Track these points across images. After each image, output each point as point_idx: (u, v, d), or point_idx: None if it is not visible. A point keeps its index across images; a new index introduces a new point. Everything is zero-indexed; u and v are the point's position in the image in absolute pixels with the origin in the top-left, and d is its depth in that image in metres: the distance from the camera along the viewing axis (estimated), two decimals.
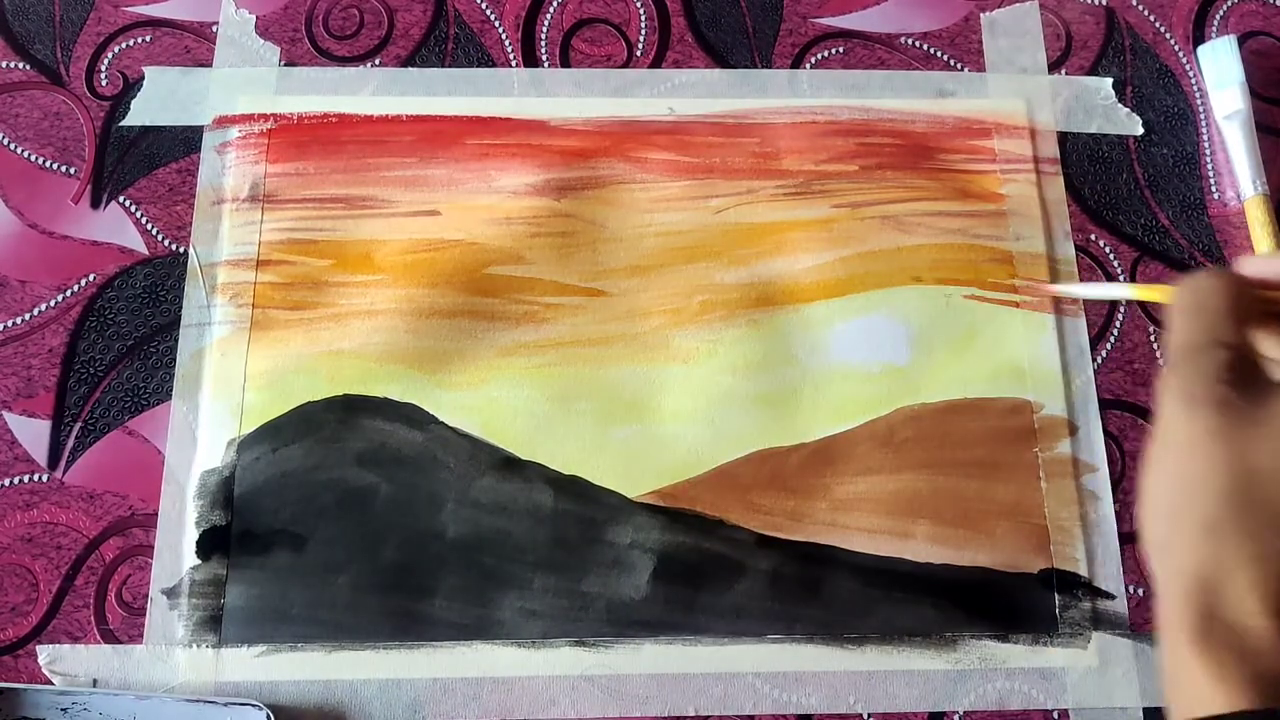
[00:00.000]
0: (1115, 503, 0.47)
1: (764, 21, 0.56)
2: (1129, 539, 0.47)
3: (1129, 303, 0.45)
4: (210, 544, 0.45)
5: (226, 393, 0.47)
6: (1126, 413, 0.49)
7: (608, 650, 0.44)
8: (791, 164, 0.52)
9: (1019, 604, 0.45)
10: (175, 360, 0.48)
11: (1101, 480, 0.48)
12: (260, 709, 0.42)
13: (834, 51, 0.55)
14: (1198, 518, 0.28)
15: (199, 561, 0.45)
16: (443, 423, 0.47)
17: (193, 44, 0.54)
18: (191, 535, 0.45)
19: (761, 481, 0.47)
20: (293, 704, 0.43)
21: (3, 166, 0.51)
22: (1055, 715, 0.44)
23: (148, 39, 0.54)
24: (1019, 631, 0.45)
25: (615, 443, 0.47)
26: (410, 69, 0.54)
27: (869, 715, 0.44)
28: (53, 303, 0.49)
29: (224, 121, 0.52)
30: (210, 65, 0.53)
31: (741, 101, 0.53)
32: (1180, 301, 0.31)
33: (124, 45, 0.54)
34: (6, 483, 0.46)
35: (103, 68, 0.53)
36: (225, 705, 0.42)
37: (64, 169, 0.51)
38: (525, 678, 0.44)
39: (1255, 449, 0.27)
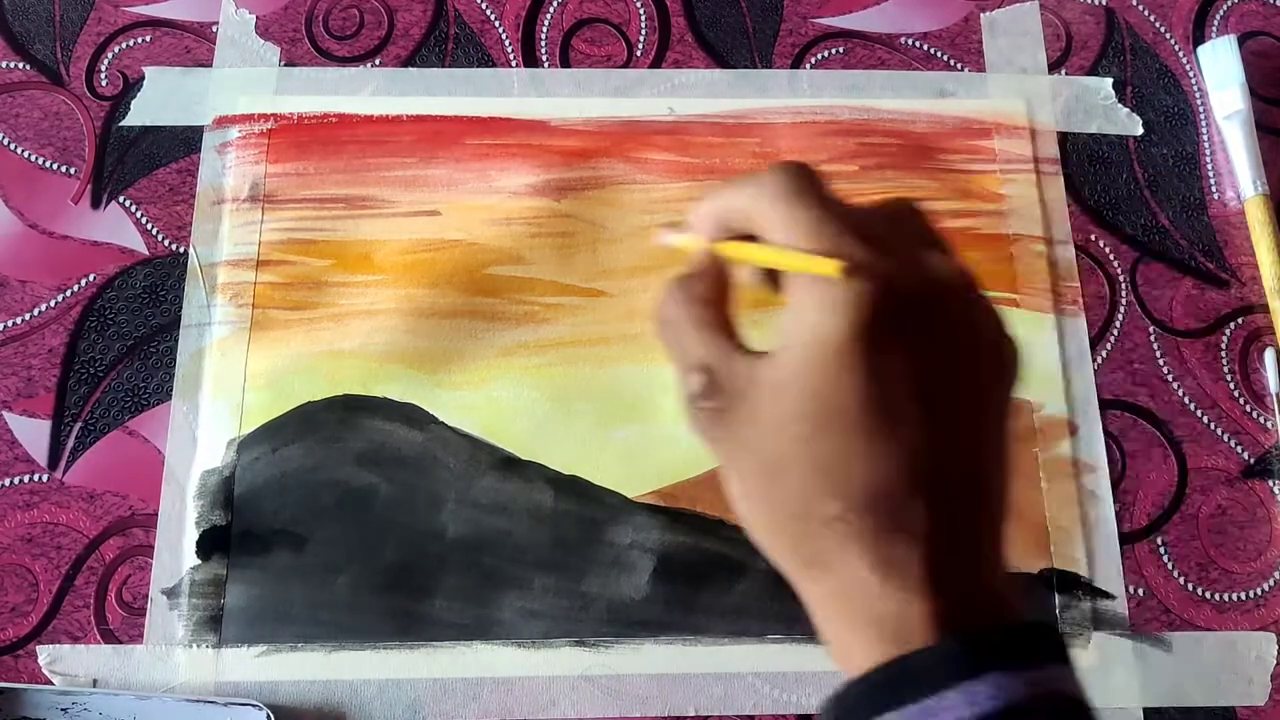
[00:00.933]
0: (1115, 503, 0.47)
1: (764, 21, 0.56)
2: (1129, 539, 0.47)
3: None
4: (210, 544, 0.45)
5: (226, 393, 0.47)
6: (1126, 413, 0.49)
7: (608, 650, 0.44)
8: None
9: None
10: (175, 360, 0.48)
11: (1101, 480, 0.48)
12: (260, 709, 0.42)
13: (834, 51, 0.55)
14: (766, 519, 0.27)
15: (199, 561, 0.45)
16: (443, 423, 0.47)
17: (193, 44, 0.54)
18: (191, 535, 0.45)
19: None
20: (293, 704, 0.43)
21: (3, 166, 0.51)
22: None
23: (148, 39, 0.54)
24: None
25: (615, 443, 0.47)
26: (410, 69, 0.54)
27: None
28: (53, 303, 0.49)
29: (224, 121, 0.52)
30: (210, 65, 0.53)
31: (741, 101, 0.53)
32: (657, 326, 0.31)
33: (124, 45, 0.54)
34: (6, 483, 0.46)
35: (103, 68, 0.53)
36: (225, 705, 0.42)
37: (64, 169, 0.51)
38: (525, 678, 0.44)
39: (759, 444, 0.27)
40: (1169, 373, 0.50)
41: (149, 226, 0.50)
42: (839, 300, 0.25)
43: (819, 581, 0.27)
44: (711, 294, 0.31)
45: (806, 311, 0.26)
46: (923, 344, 0.26)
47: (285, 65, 0.53)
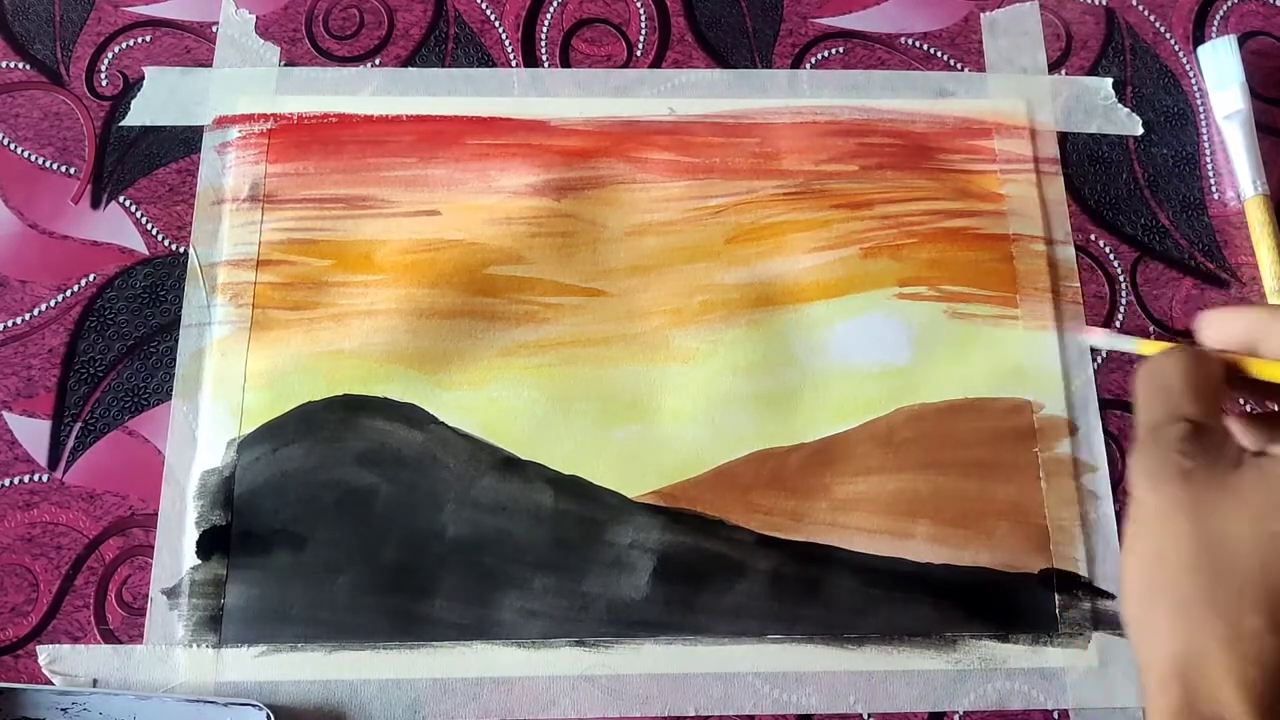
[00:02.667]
0: (1115, 503, 0.47)
1: (764, 21, 0.56)
2: None
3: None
4: (210, 544, 0.45)
5: (226, 393, 0.47)
6: (1126, 413, 0.49)
7: (608, 650, 0.44)
8: (791, 164, 0.52)
9: (1019, 604, 0.45)
10: (175, 360, 0.48)
11: (1101, 480, 0.48)
12: (260, 709, 0.42)
13: (834, 51, 0.55)
14: (1169, 597, 0.26)
15: (199, 561, 0.45)
16: (443, 423, 0.47)
17: (193, 44, 0.54)
18: (191, 535, 0.45)
19: (761, 482, 0.47)
20: (293, 704, 0.43)
21: (3, 166, 0.51)
22: (1055, 715, 0.44)
23: (148, 39, 0.54)
24: (1019, 631, 0.45)
25: (615, 443, 0.47)
26: (410, 69, 0.54)
27: (869, 715, 0.44)
28: (53, 303, 0.49)
29: (224, 121, 0.52)
30: (210, 65, 0.53)
31: (741, 101, 0.53)
32: (1142, 382, 0.30)
33: (124, 45, 0.54)
34: (6, 483, 0.46)
35: (103, 68, 0.53)
36: (225, 705, 0.42)
37: (64, 169, 0.51)
38: (525, 678, 0.44)
39: (1222, 518, 0.26)
40: None
41: (149, 226, 0.50)
42: None
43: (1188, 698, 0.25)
44: (1218, 382, 0.30)
45: None
46: None
47: (285, 65, 0.53)
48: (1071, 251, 0.52)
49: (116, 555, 0.45)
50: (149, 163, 0.51)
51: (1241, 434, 0.30)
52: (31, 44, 0.54)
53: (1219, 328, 0.31)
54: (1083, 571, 0.46)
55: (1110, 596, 0.46)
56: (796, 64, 0.55)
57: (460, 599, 0.45)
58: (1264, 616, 0.25)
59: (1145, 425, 0.29)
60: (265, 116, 0.52)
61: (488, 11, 0.55)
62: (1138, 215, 0.53)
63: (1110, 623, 0.45)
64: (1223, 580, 0.26)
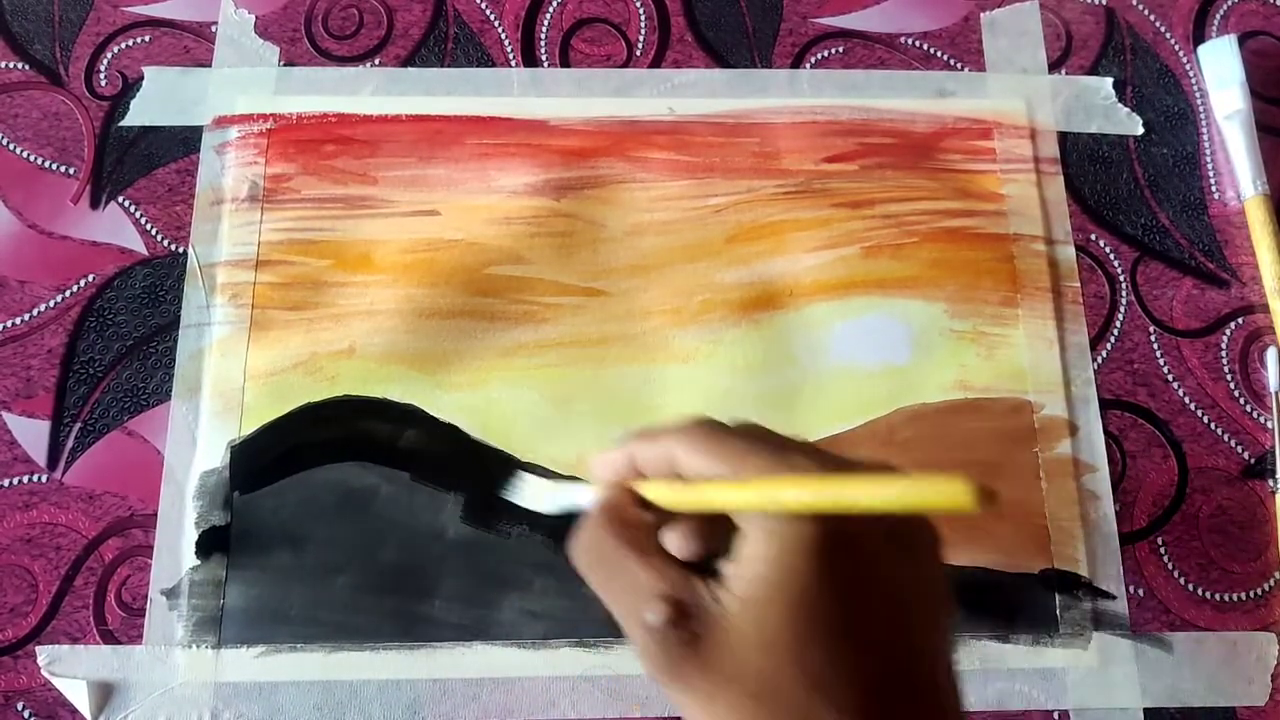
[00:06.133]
0: (1115, 503, 0.47)
1: (764, 21, 0.56)
2: (1129, 539, 0.47)
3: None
4: (210, 544, 0.45)
5: (226, 393, 0.47)
6: (1126, 413, 0.49)
7: (608, 651, 0.44)
8: (791, 163, 0.52)
9: (1019, 604, 0.45)
10: (175, 360, 0.48)
11: (1101, 480, 0.48)
12: None
13: (834, 51, 0.55)
14: None
15: (198, 562, 0.45)
16: (443, 423, 0.47)
17: (192, 44, 0.54)
18: (191, 536, 0.45)
19: None
20: (293, 704, 0.43)
21: (2, 166, 0.51)
22: (1055, 715, 0.44)
23: (147, 39, 0.54)
24: (1019, 631, 0.45)
25: (615, 443, 0.47)
26: (410, 69, 0.54)
27: None
28: (52, 303, 0.49)
29: (223, 122, 0.52)
30: (209, 65, 0.53)
31: (741, 101, 0.53)
32: (583, 566, 0.29)
33: (123, 45, 0.54)
34: (6, 483, 0.46)
35: (102, 68, 0.53)
36: None
37: (63, 169, 0.51)
38: (525, 678, 0.44)
39: (738, 670, 0.26)
40: (1169, 373, 0.50)
41: (148, 227, 0.50)
42: (803, 524, 0.26)
43: None
44: (641, 520, 0.30)
45: (773, 523, 0.26)
46: (887, 550, 0.27)
47: (284, 65, 0.53)
48: (1072, 251, 0.52)
49: (116, 556, 0.45)
50: (148, 163, 0.51)
51: (684, 547, 0.30)
52: (31, 44, 0.54)
53: (606, 469, 0.31)
54: (1083, 571, 0.46)
55: (1111, 597, 0.46)
56: (796, 64, 0.55)
57: (460, 599, 0.45)
58: (835, 715, 0.25)
59: (627, 620, 0.28)
60: (264, 116, 0.52)
61: (487, 11, 0.55)
62: (1138, 215, 0.53)
63: (1111, 623, 0.45)
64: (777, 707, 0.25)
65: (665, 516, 0.30)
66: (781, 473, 0.27)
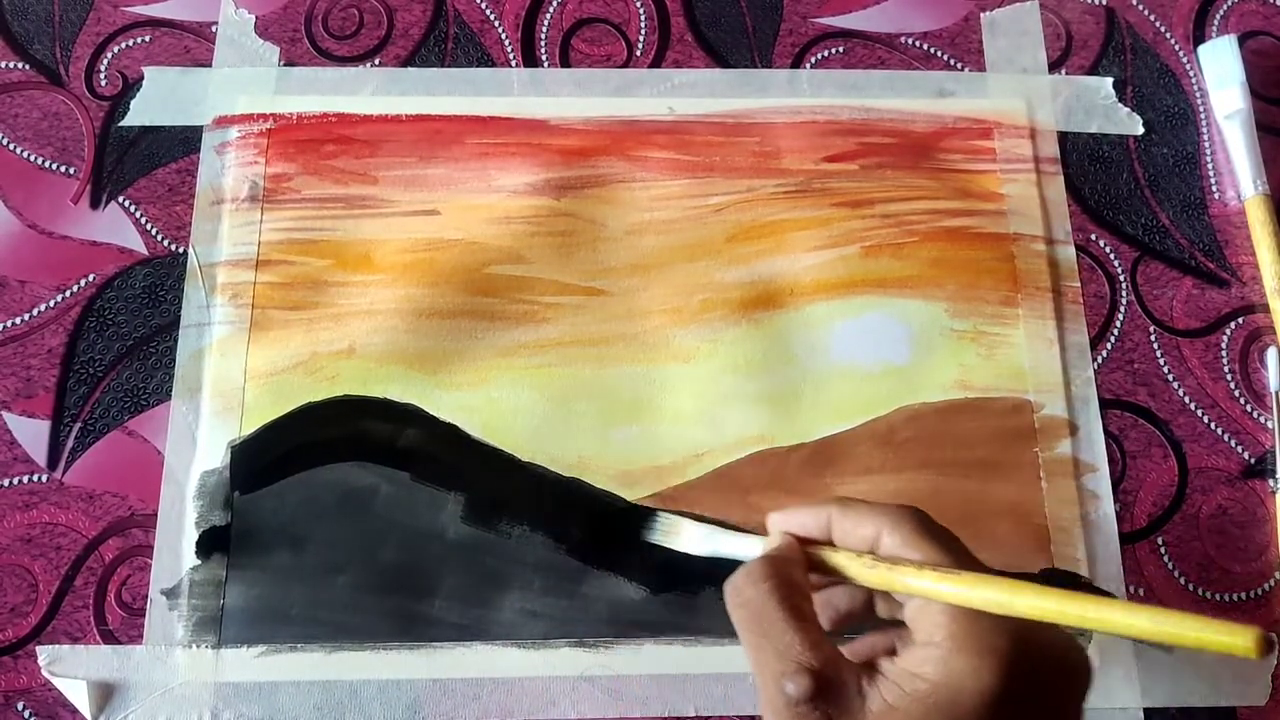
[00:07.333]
0: (1115, 503, 0.47)
1: (764, 21, 0.56)
2: (1129, 539, 0.47)
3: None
4: (210, 544, 0.45)
5: (226, 393, 0.47)
6: (1126, 413, 0.49)
7: (608, 651, 0.44)
8: (791, 163, 0.52)
9: None
10: (175, 360, 0.48)
11: (1101, 480, 0.48)
12: None
13: (834, 51, 0.55)
14: None
15: (198, 562, 0.45)
16: (443, 423, 0.47)
17: (192, 44, 0.54)
18: (191, 535, 0.45)
19: (762, 482, 0.47)
20: (293, 704, 0.43)
21: (2, 166, 0.51)
22: None
23: (147, 39, 0.54)
24: None
25: (615, 443, 0.47)
26: (410, 69, 0.54)
27: None
28: (52, 303, 0.49)
29: (223, 122, 0.52)
30: (210, 65, 0.53)
31: (741, 101, 0.53)
32: (735, 609, 0.29)
33: (123, 45, 0.54)
34: (6, 483, 0.46)
35: (102, 68, 0.53)
36: None
37: (63, 169, 0.51)
38: (525, 678, 0.44)
39: None
40: (1169, 372, 0.50)
41: (148, 226, 0.50)
42: (993, 648, 0.25)
43: None
44: (805, 584, 0.30)
45: (964, 635, 0.26)
46: (1054, 683, 0.27)
47: (285, 65, 0.53)
48: (1072, 251, 0.52)
49: (116, 556, 0.45)
50: (148, 163, 0.51)
51: (843, 607, 0.30)
52: (31, 44, 0.54)
53: (789, 524, 0.31)
54: (1083, 571, 0.46)
55: (1111, 597, 0.46)
56: (796, 63, 0.55)
57: (460, 599, 0.45)
58: None
59: (765, 679, 0.28)
60: (265, 116, 0.52)
61: (487, 11, 0.55)
62: (1138, 215, 0.53)
63: None
64: None
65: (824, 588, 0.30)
66: (999, 580, 0.26)
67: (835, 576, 0.31)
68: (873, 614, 0.32)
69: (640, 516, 0.43)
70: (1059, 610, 0.25)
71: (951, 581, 0.27)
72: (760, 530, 0.46)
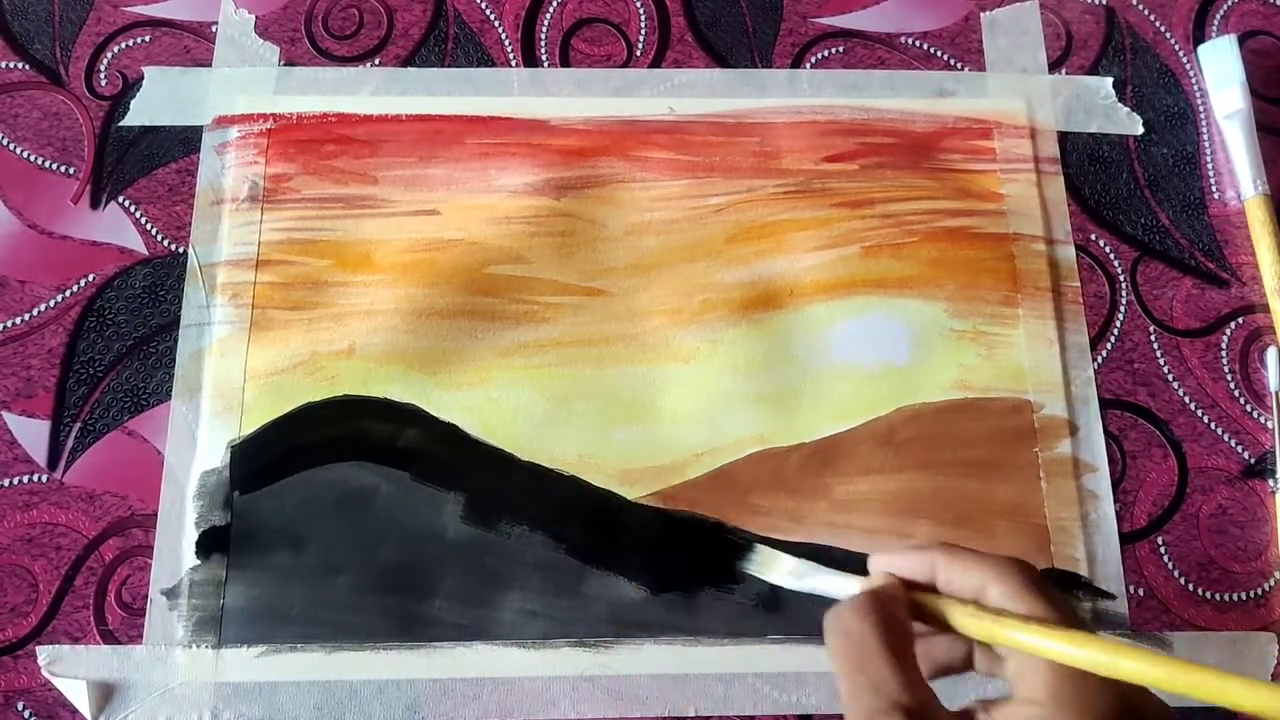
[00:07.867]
0: (1115, 503, 0.47)
1: (764, 21, 0.56)
2: (1129, 539, 0.47)
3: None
4: (210, 544, 0.45)
5: (226, 393, 0.47)
6: (1126, 413, 0.49)
7: (608, 651, 0.44)
8: (791, 163, 0.52)
9: None
10: (175, 360, 0.48)
11: (1101, 480, 0.48)
12: None
13: (834, 51, 0.55)
14: None
15: (198, 562, 0.45)
16: (443, 423, 0.47)
17: (192, 44, 0.54)
18: (191, 536, 0.45)
19: (761, 482, 0.47)
20: (293, 704, 0.43)
21: (2, 166, 0.51)
22: None
23: (147, 39, 0.54)
24: None
25: (615, 443, 0.47)
26: (410, 69, 0.54)
27: None
28: (52, 303, 0.49)
29: (223, 121, 0.52)
30: (210, 65, 0.53)
31: (741, 101, 0.53)
32: (835, 641, 0.29)
33: (123, 45, 0.54)
34: (6, 483, 0.46)
35: (102, 68, 0.53)
36: None
37: (63, 169, 0.51)
38: (525, 678, 0.44)
39: None
40: (1169, 372, 0.50)
41: (148, 226, 0.50)
42: (1096, 710, 0.26)
43: None
44: (908, 624, 0.30)
45: (1055, 711, 0.26)
46: None
47: (285, 65, 0.53)
48: (1072, 251, 0.52)
49: (116, 556, 0.45)
50: (148, 163, 0.51)
51: (944, 655, 0.30)
52: (31, 44, 0.54)
53: (894, 566, 0.31)
54: (1083, 571, 0.46)
55: (1111, 596, 0.46)
56: (796, 63, 0.55)
57: (460, 599, 0.45)
58: None
59: (857, 713, 0.27)
60: (265, 116, 0.52)
61: (487, 11, 0.55)
62: (1138, 215, 0.53)
63: (1111, 622, 0.45)
64: None
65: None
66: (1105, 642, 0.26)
67: (934, 623, 0.30)
68: (970, 667, 0.32)
69: (738, 548, 0.43)
70: (1169, 678, 0.24)
71: (1058, 639, 0.27)
72: (761, 529, 0.46)
